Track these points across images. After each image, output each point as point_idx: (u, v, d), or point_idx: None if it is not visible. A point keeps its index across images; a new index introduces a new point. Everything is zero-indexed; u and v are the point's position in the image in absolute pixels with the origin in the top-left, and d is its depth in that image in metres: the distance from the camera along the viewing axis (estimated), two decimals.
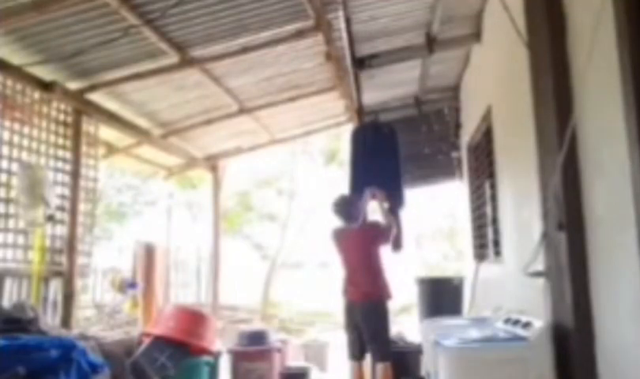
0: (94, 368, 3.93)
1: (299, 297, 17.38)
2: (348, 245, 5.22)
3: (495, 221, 5.46)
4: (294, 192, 18.13)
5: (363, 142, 6.30)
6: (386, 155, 6.10)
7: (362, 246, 5.16)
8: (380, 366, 4.89)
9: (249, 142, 8.63)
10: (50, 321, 5.05)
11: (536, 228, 3.58)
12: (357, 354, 5.08)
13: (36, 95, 5.26)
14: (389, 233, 5.16)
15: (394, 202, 5.82)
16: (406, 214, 6.10)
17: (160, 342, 5.34)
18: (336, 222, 5.34)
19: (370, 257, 5.08)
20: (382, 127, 6.52)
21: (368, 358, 5.14)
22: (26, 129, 5.15)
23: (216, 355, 5.88)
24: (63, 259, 5.46)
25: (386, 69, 6.46)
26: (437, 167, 8.01)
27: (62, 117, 5.58)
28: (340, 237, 5.28)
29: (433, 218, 17.99)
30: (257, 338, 6.40)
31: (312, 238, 19.04)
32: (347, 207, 5.27)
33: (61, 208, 5.45)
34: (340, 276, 5.26)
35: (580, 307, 2.97)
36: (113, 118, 6.31)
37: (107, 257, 13.78)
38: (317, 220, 18.48)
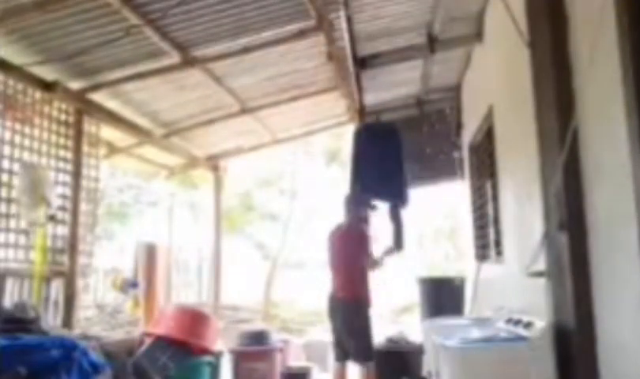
0: (95, 368, 3.93)
1: (300, 297, 17.37)
2: (334, 244, 5.32)
3: (496, 221, 5.45)
4: (295, 192, 18.11)
5: (366, 141, 6.30)
6: (389, 154, 6.11)
7: (345, 247, 5.24)
8: (361, 370, 4.94)
9: (250, 142, 8.63)
10: (51, 321, 5.06)
11: (537, 228, 3.58)
12: (341, 355, 5.11)
13: (38, 95, 5.26)
14: (366, 248, 5.17)
15: (397, 201, 5.84)
16: (408, 213, 6.11)
17: (162, 342, 5.34)
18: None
19: (350, 259, 5.14)
20: (385, 126, 6.53)
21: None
22: (27, 129, 5.15)
23: (218, 355, 5.89)
24: (65, 259, 5.47)
25: (388, 69, 6.47)
26: (438, 167, 8.00)
27: (63, 117, 5.59)
28: (331, 234, 5.38)
29: (434, 218, 17.98)
30: (258, 338, 6.40)
31: (313, 237, 19.04)
32: (349, 203, 5.31)
33: (62, 208, 5.45)
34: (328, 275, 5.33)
35: (581, 307, 2.97)
36: (114, 118, 6.31)
37: (108, 256, 13.80)
38: (318, 220, 18.49)
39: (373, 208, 5.50)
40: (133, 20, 4.58)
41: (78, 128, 5.71)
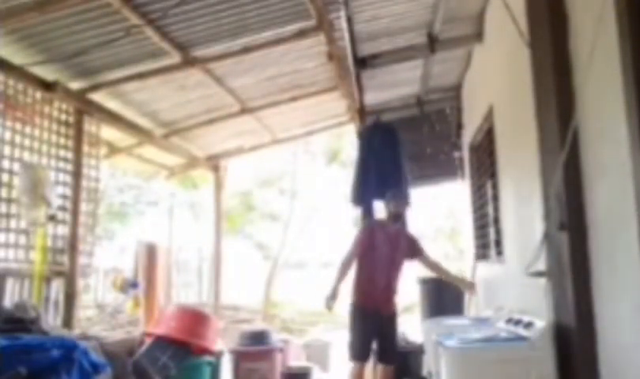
0: (96, 368, 3.93)
1: (300, 297, 17.38)
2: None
3: (496, 221, 5.45)
4: (296, 192, 18.12)
5: (368, 142, 6.32)
6: (390, 154, 6.13)
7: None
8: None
9: (251, 142, 8.63)
10: (51, 321, 5.05)
11: (537, 228, 3.58)
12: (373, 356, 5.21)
13: (38, 94, 5.26)
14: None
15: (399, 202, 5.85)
16: (410, 213, 6.12)
17: (162, 342, 5.35)
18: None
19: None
20: (385, 127, 6.54)
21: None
22: (28, 129, 5.15)
23: (218, 355, 5.90)
24: (65, 259, 5.46)
25: (388, 69, 6.46)
26: (439, 167, 8.01)
27: (63, 117, 5.59)
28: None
29: (435, 218, 17.99)
30: (258, 338, 6.40)
31: (314, 237, 19.05)
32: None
33: (62, 208, 5.45)
34: None
35: (581, 307, 2.97)
36: (115, 118, 6.31)
37: (108, 256, 13.81)
38: (319, 220, 18.50)
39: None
40: (134, 20, 4.58)
41: (78, 128, 5.71)
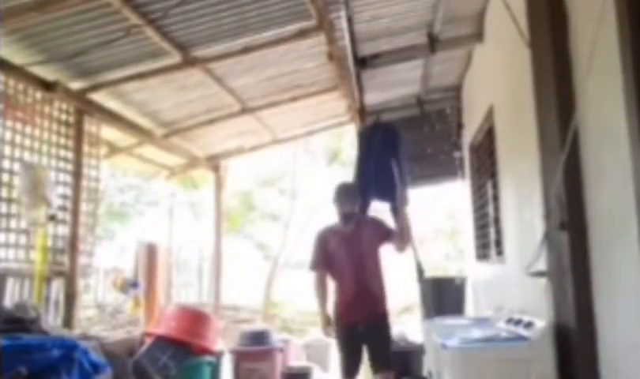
0: (96, 368, 3.94)
1: (300, 297, 17.37)
2: None
3: (497, 221, 5.45)
4: (296, 192, 18.12)
5: (368, 141, 6.31)
6: (392, 155, 6.12)
7: None
8: None
9: (251, 142, 8.63)
10: (52, 321, 5.05)
11: (538, 228, 3.58)
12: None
13: (38, 94, 5.27)
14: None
15: (397, 201, 5.84)
16: (410, 213, 6.11)
17: (162, 342, 5.35)
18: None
19: None
20: (385, 126, 6.54)
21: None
22: (28, 129, 5.15)
23: (218, 355, 5.90)
24: (65, 259, 5.46)
25: (388, 69, 6.46)
26: (439, 167, 8.00)
27: (63, 117, 5.59)
28: None
29: (435, 218, 17.98)
30: (258, 338, 6.41)
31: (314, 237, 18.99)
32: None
33: (63, 208, 5.45)
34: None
35: (582, 307, 2.97)
36: (115, 118, 6.31)
37: (109, 256, 13.81)
38: (319, 220, 18.47)
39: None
40: (134, 20, 4.57)
41: (79, 128, 5.71)
